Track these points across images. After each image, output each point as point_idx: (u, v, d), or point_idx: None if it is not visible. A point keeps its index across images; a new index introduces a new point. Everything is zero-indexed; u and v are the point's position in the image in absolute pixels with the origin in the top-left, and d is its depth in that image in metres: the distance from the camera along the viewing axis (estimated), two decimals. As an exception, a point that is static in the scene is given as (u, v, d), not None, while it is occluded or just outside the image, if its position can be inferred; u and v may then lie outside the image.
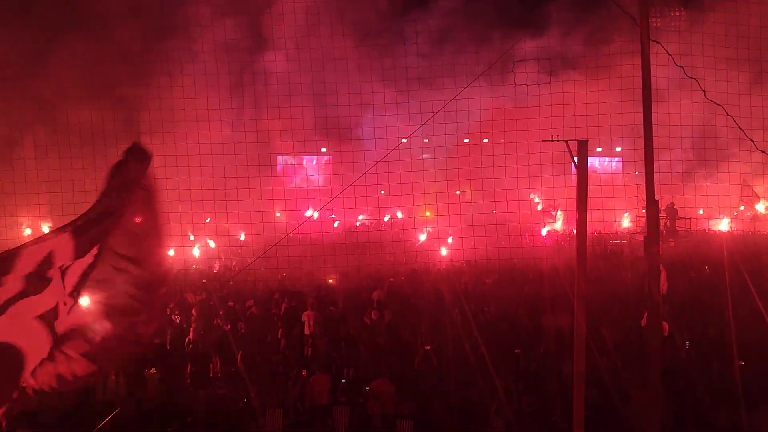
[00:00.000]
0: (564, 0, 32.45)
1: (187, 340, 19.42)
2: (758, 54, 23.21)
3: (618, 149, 36.15)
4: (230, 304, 21.84)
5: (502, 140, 25.00)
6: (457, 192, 28.54)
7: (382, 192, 27.94)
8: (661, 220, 33.12)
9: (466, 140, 29.92)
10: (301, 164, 41.55)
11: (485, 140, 28.01)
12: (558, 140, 13.78)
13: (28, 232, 28.73)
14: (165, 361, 18.07)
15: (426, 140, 28.82)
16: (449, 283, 23.61)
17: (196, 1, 28.47)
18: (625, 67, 21.54)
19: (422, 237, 32.59)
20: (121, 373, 18.21)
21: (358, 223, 33.15)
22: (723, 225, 33.63)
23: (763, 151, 14.14)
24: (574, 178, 13.66)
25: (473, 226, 26.64)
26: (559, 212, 33.10)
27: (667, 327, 15.34)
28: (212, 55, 26.09)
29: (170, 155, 23.83)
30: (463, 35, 27.31)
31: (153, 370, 18.90)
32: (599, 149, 33.63)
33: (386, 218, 36.64)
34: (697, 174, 24.55)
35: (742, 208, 35.11)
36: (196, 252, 31.45)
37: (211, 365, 18.27)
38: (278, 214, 29.72)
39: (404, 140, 24.11)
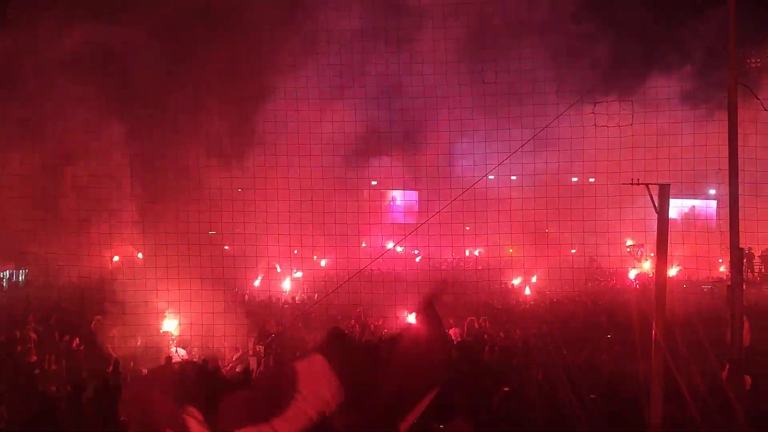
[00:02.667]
0: (651, 39, 32.08)
1: (259, 369, 19.72)
2: None
3: (713, 191, 35.16)
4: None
5: (592, 179, 24.70)
6: (547, 231, 28.31)
7: (467, 228, 27.93)
8: (755, 267, 32.17)
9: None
10: (390, 198, 42.06)
11: (574, 179, 27.63)
12: (639, 183, 13.63)
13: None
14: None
15: (514, 177, 28.64)
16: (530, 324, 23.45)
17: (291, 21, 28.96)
18: (713, 109, 21.08)
19: (516, 281, 32.36)
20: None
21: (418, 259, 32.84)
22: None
23: None
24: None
25: (560, 267, 26.24)
26: (642, 253, 32.40)
27: (750, 380, 14.75)
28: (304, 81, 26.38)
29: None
30: (544, 74, 27.12)
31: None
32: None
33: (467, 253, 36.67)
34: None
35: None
36: (286, 285, 31.98)
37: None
38: (363, 245, 30.07)
39: (491, 177, 24.17)
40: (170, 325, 22.76)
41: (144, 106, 26.77)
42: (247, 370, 18.95)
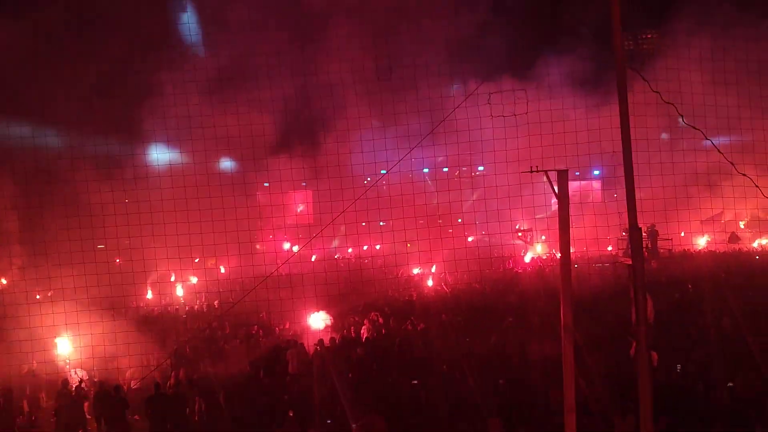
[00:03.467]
0: (541, 29, 32.80)
1: (168, 383, 19.06)
2: (740, 76, 23.43)
3: (597, 173, 36.48)
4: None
5: (481, 168, 24.96)
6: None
7: (363, 224, 27.82)
8: (643, 243, 33.44)
9: (445, 169, 30.00)
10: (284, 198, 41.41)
11: (464, 168, 27.91)
12: (537, 171, 13.78)
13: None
14: (151, 406, 17.66)
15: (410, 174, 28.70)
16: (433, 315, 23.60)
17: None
18: (603, 93, 21.74)
19: (415, 270, 32.48)
20: (102, 419, 17.89)
21: (338, 256, 32.81)
22: (703, 243, 34.08)
23: (744, 174, 14.22)
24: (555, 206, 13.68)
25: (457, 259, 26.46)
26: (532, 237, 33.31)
27: (656, 357, 15.23)
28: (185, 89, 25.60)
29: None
30: (441, 67, 27.25)
31: (137, 417, 18.57)
32: (577, 173, 33.85)
33: (365, 248, 36.78)
34: (679, 197, 24.67)
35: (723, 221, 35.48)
36: (179, 291, 31.06)
37: (196, 407, 18.00)
38: (257, 246, 29.42)
39: (384, 171, 24.11)
40: (65, 347, 21.68)
41: (22, 110, 25.40)
42: (156, 384, 18.15)
